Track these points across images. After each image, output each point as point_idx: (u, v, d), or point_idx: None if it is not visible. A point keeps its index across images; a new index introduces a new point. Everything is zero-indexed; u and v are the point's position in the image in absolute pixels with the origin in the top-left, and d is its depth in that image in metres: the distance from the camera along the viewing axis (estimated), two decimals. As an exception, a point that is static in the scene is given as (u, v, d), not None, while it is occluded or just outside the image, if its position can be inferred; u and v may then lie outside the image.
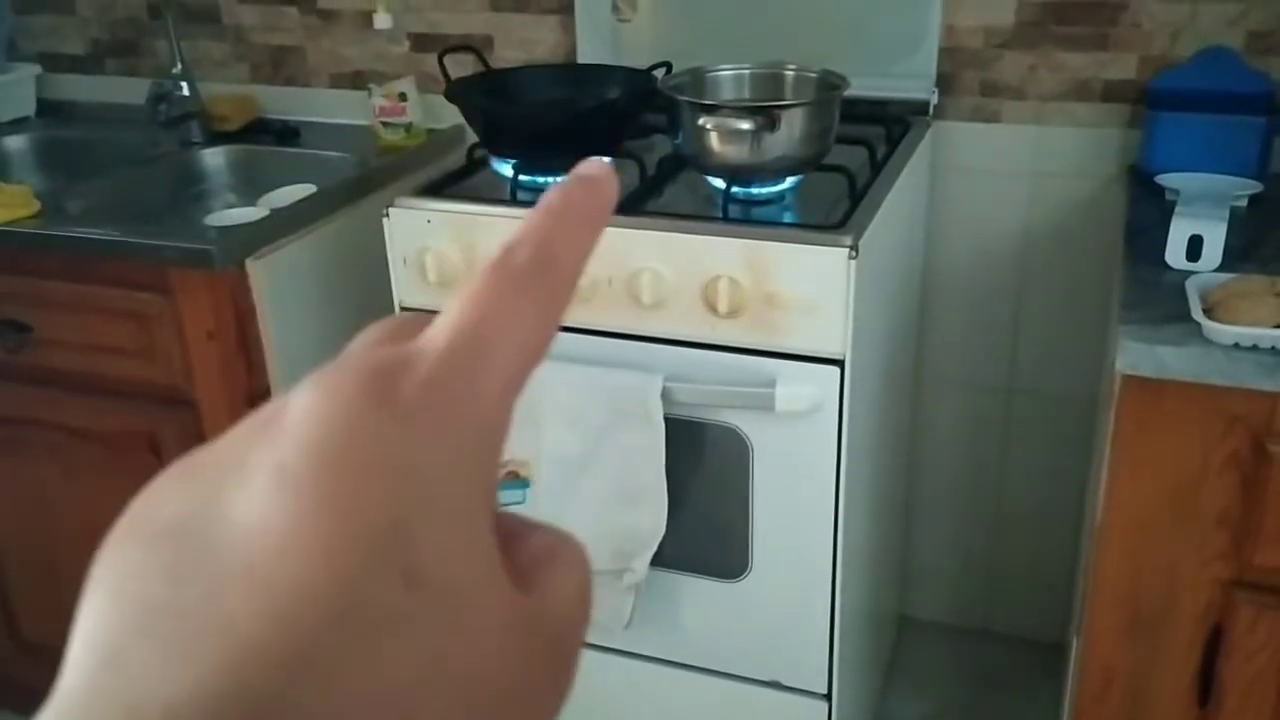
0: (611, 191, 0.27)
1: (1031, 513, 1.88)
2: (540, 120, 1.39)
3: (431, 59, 1.81)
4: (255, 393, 1.53)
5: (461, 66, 1.57)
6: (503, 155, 1.41)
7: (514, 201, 1.36)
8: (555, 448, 1.33)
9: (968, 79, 1.65)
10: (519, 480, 1.35)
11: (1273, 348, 1.05)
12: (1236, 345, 1.06)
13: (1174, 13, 1.52)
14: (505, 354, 0.24)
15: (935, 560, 1.98)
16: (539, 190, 1.41)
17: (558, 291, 0.25)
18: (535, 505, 1.36)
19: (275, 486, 0.21)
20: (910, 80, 1.63)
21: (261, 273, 1.49)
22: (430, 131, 1.87)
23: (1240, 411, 1.09)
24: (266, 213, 1.60)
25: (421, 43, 1.89)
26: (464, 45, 1.59)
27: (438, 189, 1.43)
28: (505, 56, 1.83)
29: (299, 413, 0.22)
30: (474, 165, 1.50)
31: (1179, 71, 1.52)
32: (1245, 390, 1.07)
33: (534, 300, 0.24)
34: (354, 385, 0.22)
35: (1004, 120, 1.66)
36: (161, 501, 0.22)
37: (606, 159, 0.26)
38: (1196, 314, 1.09)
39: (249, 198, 1.80)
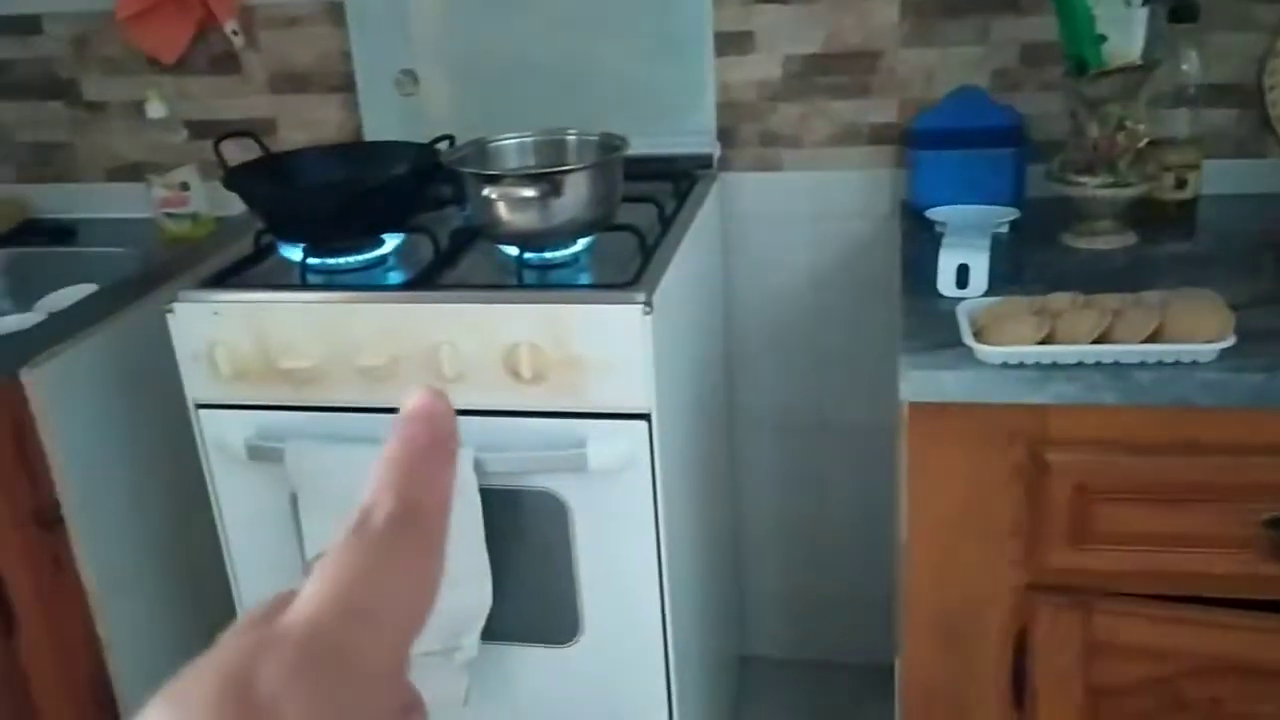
0: (448, 418, 0.27)
1: (853, 541, 1.94)
2: (323, 201, 1.37)
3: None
4: (43, 508, 1.43)
5: (247, 151, 1.54)
6: (290, 239, 1.38)
7: (304, 285, 1.34)
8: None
9: (747, 131, 1.72)
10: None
11: (1036, 363, 1.13)
12: (1005, 364, 1.14)
13: (924, 58, 1.63)
14: (388, 614, 0.24)
15: (769, 597, 2.02)
16: (330, 271, 1.39)
17: (428, 537, 0.25)
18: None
19: None
20: (693, 136, 1.69)
21: (40, 381, 1.41)
22: (220, 219, 1.81)
23: (1016, 426, 1.17)
24: (42, 318, 1.51)
25: (200, 130, 1.84)
26: (242, 130, 1.55)
27: (223, 279, 1.39)
28: (290, 139, 1.80)
29: None
30: (262, 251, 1.46)
31: (935, 112, 1.63)
32: (1018, 405, 1.15)
33: (404, 555, 0.25)
34: (202, 699, 0.21)
35: (785, 168, 1.73)
36: None
37: (433, 389, 0.28)
38: (967, 338, 1.16)
39: (25, 303, 1.70)
